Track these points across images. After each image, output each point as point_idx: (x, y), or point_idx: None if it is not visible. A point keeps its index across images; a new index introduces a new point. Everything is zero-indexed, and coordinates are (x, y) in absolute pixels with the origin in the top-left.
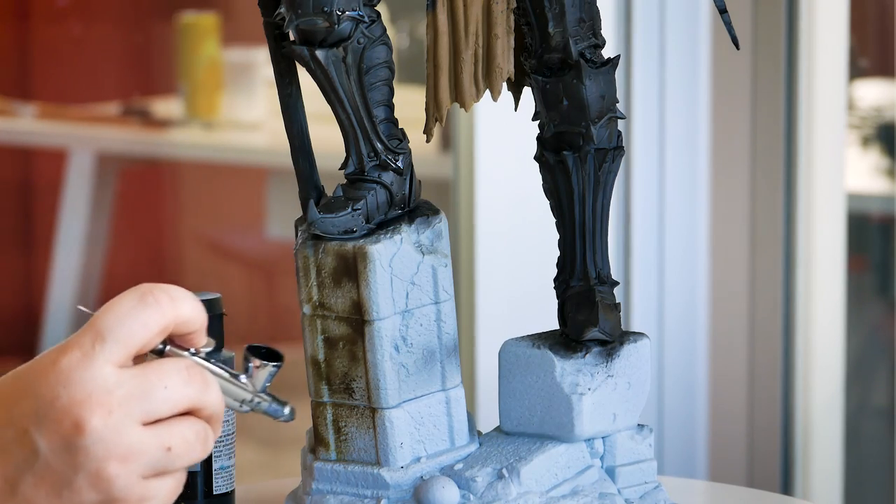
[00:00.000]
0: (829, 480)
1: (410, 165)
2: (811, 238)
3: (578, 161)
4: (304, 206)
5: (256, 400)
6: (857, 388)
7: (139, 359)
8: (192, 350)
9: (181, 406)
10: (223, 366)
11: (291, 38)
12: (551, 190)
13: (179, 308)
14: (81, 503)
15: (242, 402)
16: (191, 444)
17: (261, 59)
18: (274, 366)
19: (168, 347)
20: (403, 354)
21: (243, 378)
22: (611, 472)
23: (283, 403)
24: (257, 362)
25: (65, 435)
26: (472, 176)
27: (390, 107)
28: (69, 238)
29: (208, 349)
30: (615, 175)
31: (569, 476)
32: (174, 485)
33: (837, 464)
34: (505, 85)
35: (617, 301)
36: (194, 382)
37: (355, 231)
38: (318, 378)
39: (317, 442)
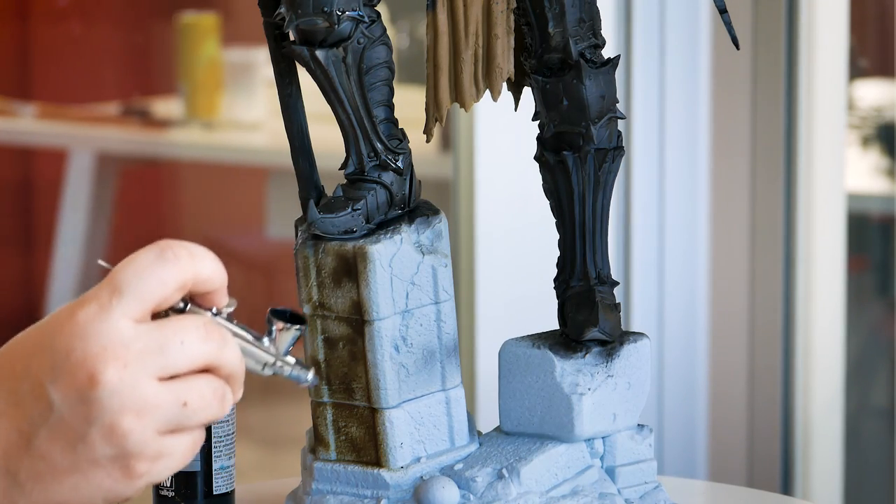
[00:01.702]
0: (829, 480)
1: (410, 165)
2: (811, 238)
3: (578, 161)
4: (304, 206)
5: (279, 363)
6: (857, 388)
7: (160, 318)
8: (214, 310)
9: (198, 362)
10: (246, 327)
11: (291, 38)
12: (551, 190)
13: (199, 265)
14: (96, 458)
15: (265, 364)
16: (207, 400)
17: (261, 59)
18: (297, 329)
19: (189, 306)
20: (403, 354)
21: (266, 341)
22: (611, 472)
23: (307, 368)
24: (280, 325)
25: (79, 388)
26: (472, 176)
27: (390, 107)
28: (69, 238)
29: (230, 309)
30: (615, 175)
31: (569, 476)
32: (191, 443)
33: (837, 464)
34: (505, 85)
35: (617, 301)
36: (212, 339)
37: (355, 231)
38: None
39: (317, 442)
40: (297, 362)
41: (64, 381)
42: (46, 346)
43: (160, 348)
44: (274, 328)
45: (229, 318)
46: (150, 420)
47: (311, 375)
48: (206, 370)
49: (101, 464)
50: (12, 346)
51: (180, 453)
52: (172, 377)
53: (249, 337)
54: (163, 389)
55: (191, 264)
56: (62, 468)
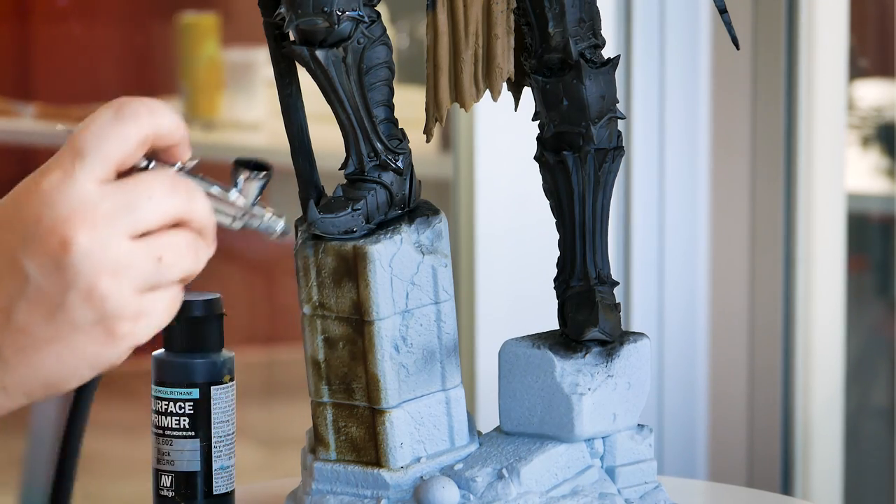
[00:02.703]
0: (829, 480)
1: (410, 165)
2: (811, 238)
3: (578, 161)
4: (304, 206)
5: (248, 214)
6: (857, 388)
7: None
8: (179, 165)
9: (168, 216)
10: (211, 180)
11: (291, 38)
12: (551, 190)
13: (158, 120)
14: (77, 324)
15: (234, 217)
16: (181, 254)
17: (261, 59)
18: (263, 176)
19: (153, 164)
20: (403, 354)
21: (234, 192)
22: (611, 472)
23: (278, 217)
24: (246, 174)
25: (52, 254)
26: (472, 176)
27: (390, 107)
28: None
29: (194, 163)
30: (615, 175)
31: (569, 476)
32: (170, 301)
33: (837, 464)
34: (505, 85)
35: (617, 301)
36: (179, 192)
37: (355, 231)
38: (318, 378)
39: (317, 442)
40: (268, 212)
41: (36, 251)
42: (15, 219)
43: (128, 206)
44: (241, 178)
45: (194, 172)
46: (126, 279)
47: (282, 224)
48: (177, 225)
49: (83, 329)
50: None
51: (160, 311)
52: (145, 235)
53: (216, 189)
54: (136, 247)
55: (150, 119)
56: (44, 339)
